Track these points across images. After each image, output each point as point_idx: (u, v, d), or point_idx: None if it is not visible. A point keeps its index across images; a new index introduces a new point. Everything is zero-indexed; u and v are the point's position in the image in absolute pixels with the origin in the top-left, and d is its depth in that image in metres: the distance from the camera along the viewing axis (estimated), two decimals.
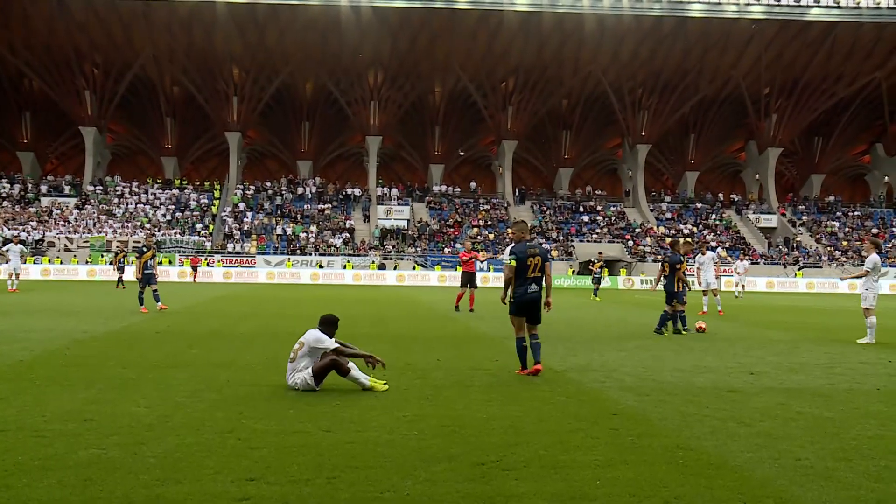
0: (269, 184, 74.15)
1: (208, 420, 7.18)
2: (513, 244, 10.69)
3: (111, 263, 47.20)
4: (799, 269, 63.14)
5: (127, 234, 59.15)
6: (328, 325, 9.19)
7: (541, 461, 5.92)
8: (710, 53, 68.97)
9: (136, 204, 66.61)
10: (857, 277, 16.05)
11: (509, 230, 10.83)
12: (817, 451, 6.34)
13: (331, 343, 8.97)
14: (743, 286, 40.19)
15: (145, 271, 21.45)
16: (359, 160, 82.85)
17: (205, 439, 6.44)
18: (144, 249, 21.99)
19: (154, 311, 21.14)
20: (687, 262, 18.27)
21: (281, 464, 5.74)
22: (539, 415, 7.70)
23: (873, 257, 15.93)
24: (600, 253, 41.24)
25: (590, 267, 36.91)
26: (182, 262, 55.13)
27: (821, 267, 64.62)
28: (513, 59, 69.33)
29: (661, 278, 17.35)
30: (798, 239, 70.90)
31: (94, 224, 61.74)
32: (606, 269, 59.60)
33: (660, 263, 17.34)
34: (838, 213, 77.23)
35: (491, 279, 56.25)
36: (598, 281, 35.59)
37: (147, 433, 6.62)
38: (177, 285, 42.07)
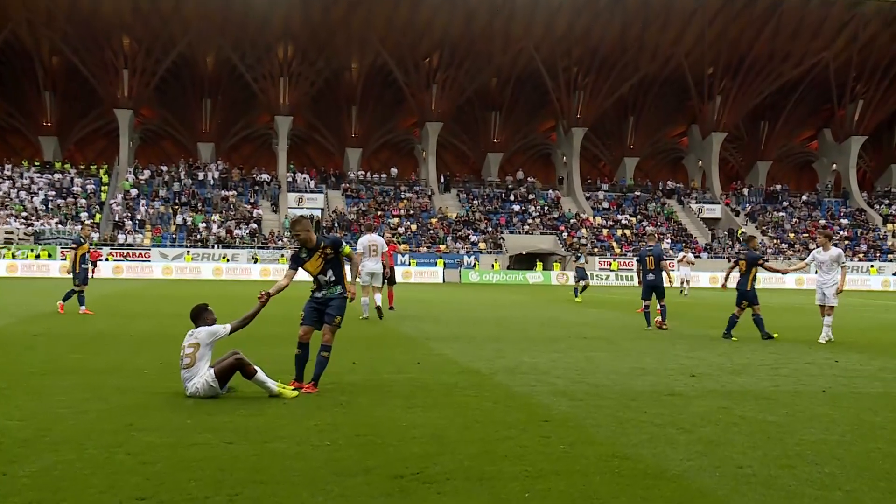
0: (165, 168, 72.59)
1: (93, 433, 7.02)
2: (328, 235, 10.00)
3: None
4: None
5: None
6: (201, 316, 9.17)
7: (465, 472, 5.95)
8: (651, 29, 70.18)
9: (9, 189, 64.48)
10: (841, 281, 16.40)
11: (295, 228, 10.30)
12: (760, 458, 6.52)
13: (224, 328, 9.05)
14: (688, 282, 41.22)
15: (83, 265, 21.05)
16: (267, 143, 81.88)
17: (89, 455, 6.29)
18: (82, 241, 21.60)
19: (58, 312, 20.55)
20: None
21: (176, 480, 5.64)
22: (464, 422, 7.74)
23: (837, 251, 16.45)
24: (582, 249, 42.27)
25: (574, 264, 36.89)
26: (64, 255, 53.65)
27: (767, 260, 66.46)
28: (437, 33, 69.37)
29: (729, 276, 17.81)
30: (743, 230, 72.77)
31: None
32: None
33: (733, 260, 17.79)
34: (785, 203, 79.52)
35: (413, 274, 56.37)
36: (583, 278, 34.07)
37: (20, 450, 6.42)
38: (58, 281, 40.86)
